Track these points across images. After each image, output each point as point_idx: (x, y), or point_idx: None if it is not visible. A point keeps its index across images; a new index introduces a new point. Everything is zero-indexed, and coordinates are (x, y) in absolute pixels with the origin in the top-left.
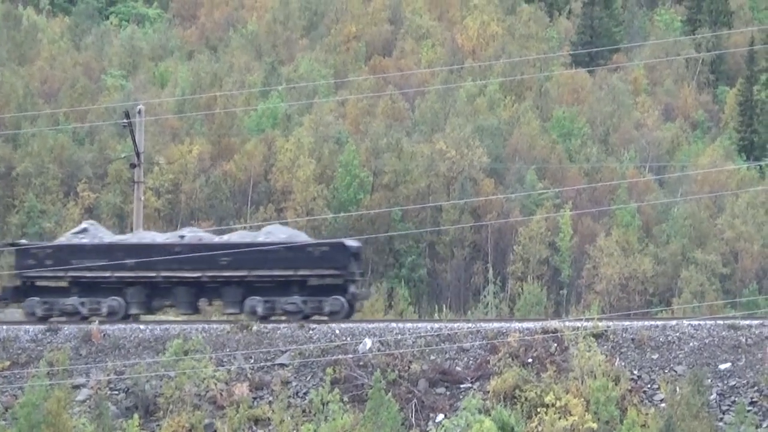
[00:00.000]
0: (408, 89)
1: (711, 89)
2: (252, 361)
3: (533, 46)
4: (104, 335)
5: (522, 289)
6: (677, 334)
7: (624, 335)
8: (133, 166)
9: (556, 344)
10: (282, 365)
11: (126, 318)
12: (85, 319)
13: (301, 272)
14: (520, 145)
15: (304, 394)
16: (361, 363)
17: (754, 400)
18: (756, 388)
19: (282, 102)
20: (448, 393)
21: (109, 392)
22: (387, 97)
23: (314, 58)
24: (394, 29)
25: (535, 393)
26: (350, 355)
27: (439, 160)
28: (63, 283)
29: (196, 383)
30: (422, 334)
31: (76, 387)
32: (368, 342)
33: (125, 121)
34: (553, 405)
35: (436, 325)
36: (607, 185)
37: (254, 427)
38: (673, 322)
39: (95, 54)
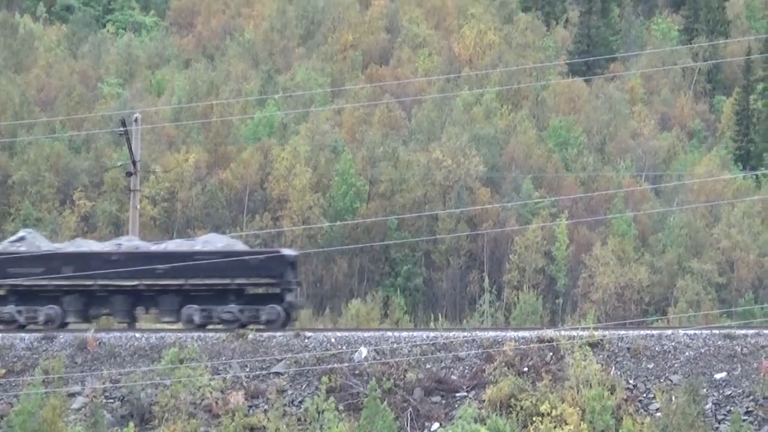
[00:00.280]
0: (404, 98)
1: (708, 99)
2: (247, 369)
3: (530, 55)
4: (100, 343)
5: (518, 298)
6: (673, 343)
7: (620, 344)
8: (129, 174)
9: (551, 353)
10: (277, 374)
11: (63, 326)
12: (22, 327)
13: (238, 281)
14: (517, 154)
15: (300, 402)
16: (356, 372)
17: (749, 409)
18: (751, 397)
19: (278, 110)
20: (443, 402)
21: (104, 400)
22: (383, 105)
23: (311, 67)
24: (390, 38)
25: (531, 402)
26: (346, 364)
27: (435, 169)
28: (1, 292)
29: (192, 391)
30: (418, 343)
31: (72, 395)
32: (364, 351)
33: (122, 129)
34: (548, 414)
35: (432, 334)
36: (603, 194)
37: None
38: (669, 332)
39: (92, 62)
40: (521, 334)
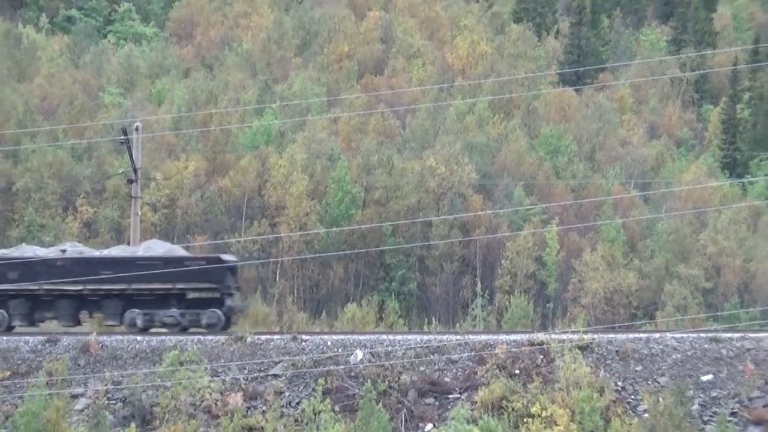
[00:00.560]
0: (399, 107)
1: (695, 108)
2: (246, 371)
3: (521, 66)
4: (102, 346)
5: (509, 302)
6: (660, 346)
7: (609, 347)
8: (130, 181)
9: (542, 356)
10: (275, 376)
11: (9, 330)
12: None
13: (179, 286)
14: (509, 162)
15: (297, 404)
16: (352, 374)
17: (734, 410)
18: (737, 399)
19: (276, 119)
20: (437, 403)
21: (106, 402)
22: (378, 114)
23: (307, 77)
24: (385, 48)
25: (522, 403)
26: (342, 366)
27: (429, 177)
28: None
29: (192, 393)
30: (412, 346)
31: (75, 396)
32: (359, 353)
33: (123, 137)
34: (539, 415)
35: (426, 337)
36: (592, 201)
37: None
38: (657, 335)
39: (93, 72)
40: (513, 337)
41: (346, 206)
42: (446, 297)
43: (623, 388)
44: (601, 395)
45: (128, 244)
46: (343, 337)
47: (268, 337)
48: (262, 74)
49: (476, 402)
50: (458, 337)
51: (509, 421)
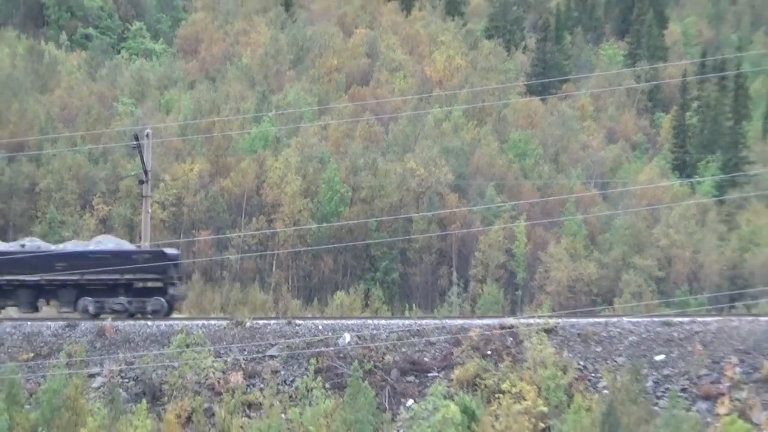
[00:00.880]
0: (383, 115)
1: (649, 115)
2: (246, 353)
3: (493, 77)
4: (116, 330)
5: (482, 290)
6: (618, 329)
7: (571, 330)
8: (141, 182)
9: (511, 338)
10: (272, 357)
11: None
12: None
13: (127, 276)
14: (481, 164)
15: (291, 381)
16: (341, 355)
17: (684, 387)
18: (687, 376)
19: (272, 126)
20: (417, 381)
21: (120, 380)
22: (364, 122)
23: (300, 88)
24: (370, 62)
25: (494, 381)
26: (331, 348)
27: (409, 177)
28: None
29: (197, 372)
30: (395, 330)
31: (92, 376)
32: (347, 336)
33: (135, 143)
34: (509, 391)
35: (407, 322)
36: (557, 199)
37: (247, 411)
38: (615, 319)
39: (108, 84)
40: (485, 321)
41: (336, 204)
42: (425, 285)
43: (584, 367)
44: (564, 373)
45: (140, 238)
46: (332, 321)
47: (265, 321)
48: (259, 86)
49: (452, 380)
50: (436, 321)
51: (482, 396)
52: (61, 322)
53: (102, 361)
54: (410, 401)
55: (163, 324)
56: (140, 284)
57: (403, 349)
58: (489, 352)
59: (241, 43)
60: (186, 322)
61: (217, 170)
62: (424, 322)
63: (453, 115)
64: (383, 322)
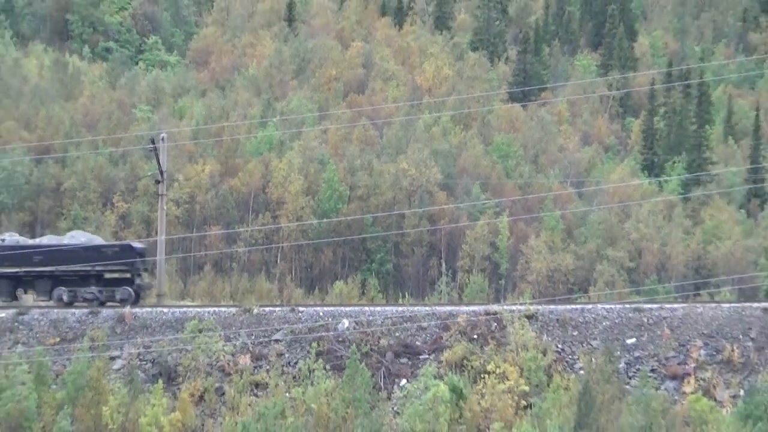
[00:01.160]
0: (377, 120)
1: (620, 120)
2: (253, 337)
3: (477, 86)
4: (135, 317)
5: (469, 279)
6: (593, 315)
7: (550, 316)
8: (157, 182)
9: (496, 324)
10: (277, 341)
11: None
12: None
13: (98, 268)
14: (467, 165)
15: (295, 363)
16: (340, 339)
17: (654, 368)
18: (656, 358)
19: (276, 130)
20: (410, 362)
21: (138, 362)
22: (360, 126)
23: (302, 96)
24: (366, 72)
25: (480, 362)
26: (331, 333)
27: (402, 177)
28: None
29: (209, 355)
30: (389, 316)
31: (113, 358)
32: (346, 322)
33: (151, 146)
34: (493, 372)
35: (400, 309)
36: (536, 197)
37: (255, 390)
38: (590, 306)
39: (127, 92)
40: (472, 308)
41: (335, 201)
42: (417, 276)
43: (563, 349)
44: (544, 355)
45: (157, 232)
46: (332, 308)
47: (271, 308)
48: (265, 94)
49: (442, 361)
50: (427, 308)
51: (469, 377)
52: (85, 310)
53: (122, 345)
54: (403, 381)
55: (177, 311)
56: (110, 275)
57: (397, 334)
58: (475, 336)
59: (248, 55)
60: (198, 310)
61: (226, 171)
62: (415, 308)
63: (441, 120)
64: (378, 309)
